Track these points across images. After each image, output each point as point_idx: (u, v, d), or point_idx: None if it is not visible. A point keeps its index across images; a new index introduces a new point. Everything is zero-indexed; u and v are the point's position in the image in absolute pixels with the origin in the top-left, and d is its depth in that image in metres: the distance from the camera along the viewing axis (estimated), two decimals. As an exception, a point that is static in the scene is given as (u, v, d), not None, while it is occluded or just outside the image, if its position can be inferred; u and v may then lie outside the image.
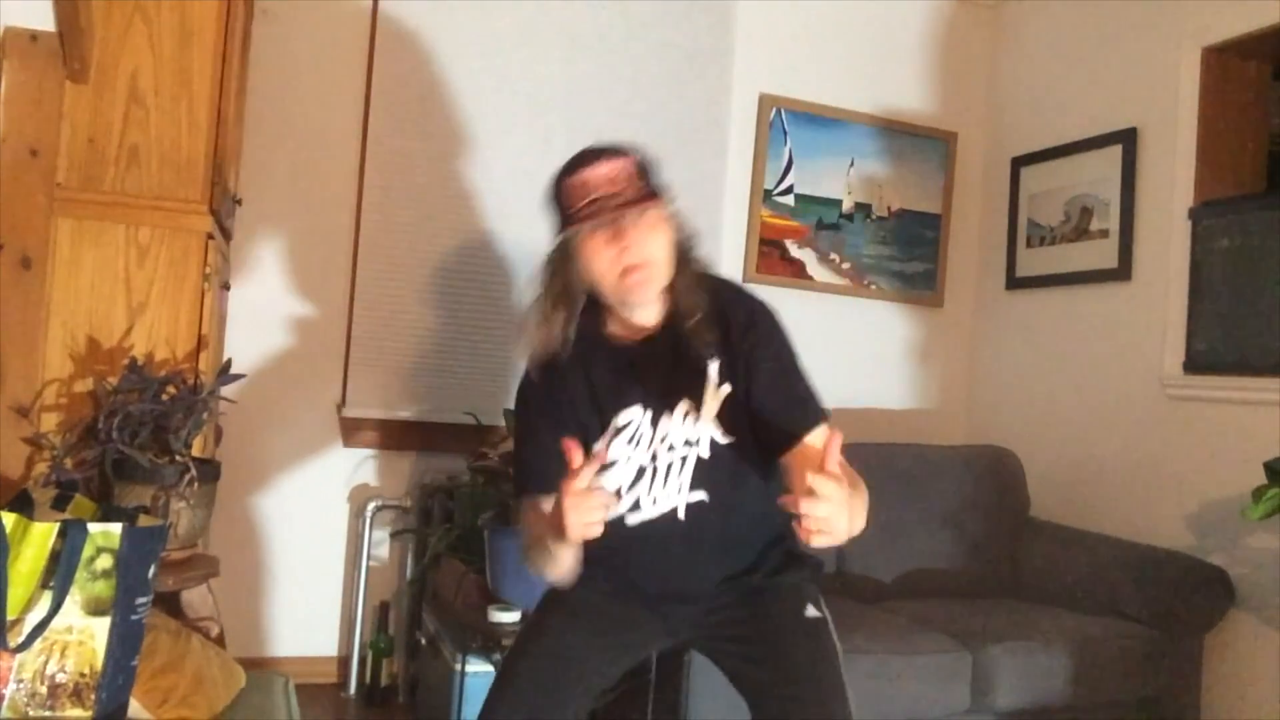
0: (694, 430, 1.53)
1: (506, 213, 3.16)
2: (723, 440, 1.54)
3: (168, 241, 1.92)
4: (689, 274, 1.54)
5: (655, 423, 1.55)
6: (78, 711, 1.15)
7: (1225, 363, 2.83)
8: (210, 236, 1.96)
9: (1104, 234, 3.26)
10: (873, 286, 3.65)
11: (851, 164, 3.62)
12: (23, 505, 1.28)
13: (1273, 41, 2.84)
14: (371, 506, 3.02)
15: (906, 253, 3.71)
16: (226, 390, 1.97)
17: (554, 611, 1.65)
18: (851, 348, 3.62)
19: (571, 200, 1.49)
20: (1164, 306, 3.02)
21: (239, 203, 2.57)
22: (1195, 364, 2.92)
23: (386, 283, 3.05)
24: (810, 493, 1.18)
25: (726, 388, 1.52)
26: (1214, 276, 2.89)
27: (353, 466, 3.07)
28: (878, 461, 3.10)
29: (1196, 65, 2.98)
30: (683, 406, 1.54)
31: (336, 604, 3.07)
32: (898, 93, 3.67)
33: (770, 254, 3.52)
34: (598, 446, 1.53)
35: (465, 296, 3.13)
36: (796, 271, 3.56)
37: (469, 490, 2.77)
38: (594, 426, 1.56)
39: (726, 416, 1.53)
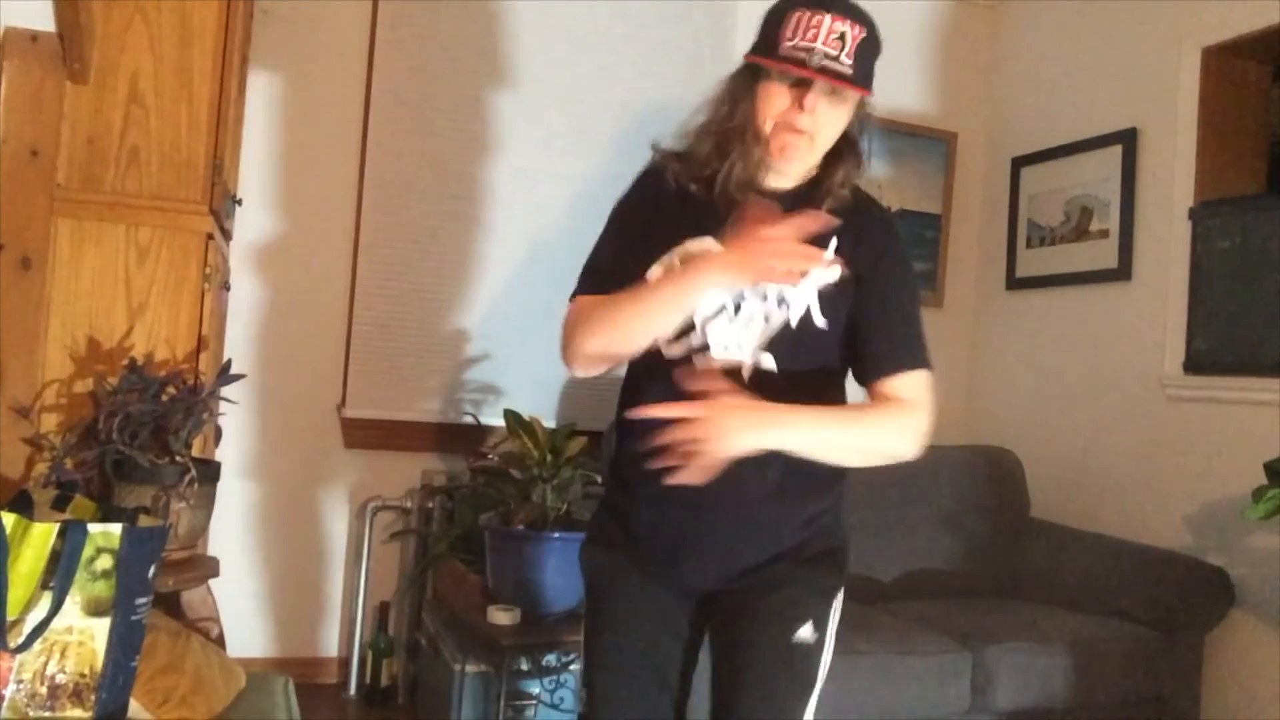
0: (793, 291, 1.39)
1: (507, 213, 3.16)
2: (818, 320, 1.40)
3: (168, 242, 1.92)
4: (846, 168, 1.43)
5: None
6: (78, 712, 1.15)
7: (1225, 363, 2.83)
8: (210, 236, 1.96)
9: (1104, 234, 3.26)
10: (873, 286, 3.65)
11: (851, 164, 3.62)
12: (23, 505, 1.27)
13: (1273, 41, 2.84)
14: (371, 506, 3.02)
15: (906, 253, 3.71)
16: (226, 390, 1.97)
17: (597, 626, 1.57)
18: (851, 348, 3.62)
19: (787, 35, 1.34)
20: (1164, 306, 3.02)
21: (239, 203, 2.57)
22: (1195, 364, 2.92)
23: (386, 283, 3.05)
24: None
25: (839, 268, 1.39)
26: (1214, 276, 2.89)
27: (353, 466, 3.07)
28: (878, 461, 3.11)
29: (1196, 65, 2.98)
30: None
31: (336, 604, 3.07)
32: (898, 93, 3.67)
33: (770, 254, 3.51)
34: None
35: (465, 296, 3.13)
36: (796, 271, 3.55)
37: (469, 490, 2.77)
38: (667, 242, 1.44)
39: (828, 303, 1.40)
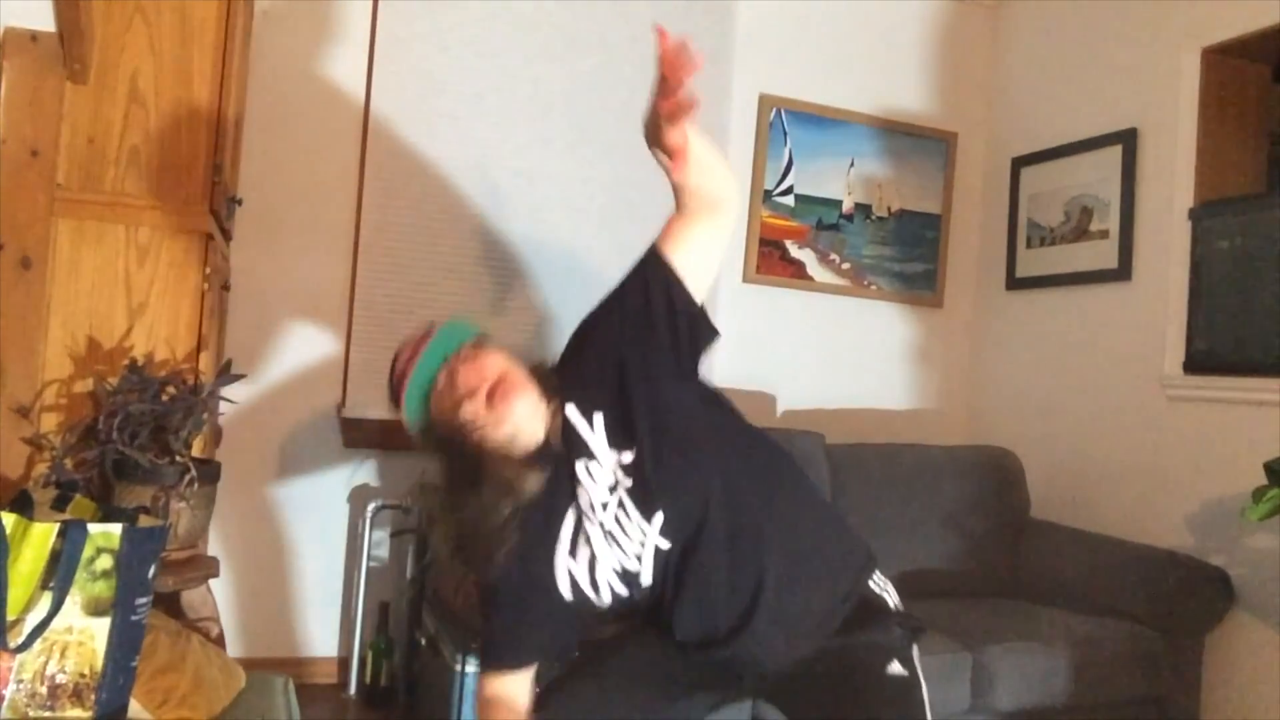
0: (642, 537, 1.40)
1: (506, 213, 3.16)
2: (664, 545, 1.41)
3: (168, 242, 1.92)
4: (544, 377, 1.44)
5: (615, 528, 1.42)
6: (78, 712, 1.15)
7: (1225, 363, 2.83)
8: (210, 236, 1.96)
9: (1104, 234, 3.26)
10: (873, 287, 3.65)
11: (851, 164, 3.62)
12: (23, 505, 1.28)
13: (1273, 41, 2.84)
14: (372, 507, 3.02)
15: (906, 253, 3.71)
16: (226, 390, 1.97)
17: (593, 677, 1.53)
18: (851, 348, 3.62)
19: (397, 387, 1.46)
20: (1164, 306, 3.02)
21: (239, 203, 2.57)
22: (1195, 364, 2.92)
23: (386, 282, 3.05)
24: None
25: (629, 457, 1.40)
26: (1214, 276, 2.89)
27: (353, 467, 3.07)
28: (878, 461, 3.11)
29: (1196, 65, 2.98)
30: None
31: (336, 604, 3.07)
32: (898, 93, 3.67)
33: (770, 254, 3.52)
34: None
35: (465, 296, 3.13)
36: (797, 272, 3.56)
37: (469, 490, 2.76)
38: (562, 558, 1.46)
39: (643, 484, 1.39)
